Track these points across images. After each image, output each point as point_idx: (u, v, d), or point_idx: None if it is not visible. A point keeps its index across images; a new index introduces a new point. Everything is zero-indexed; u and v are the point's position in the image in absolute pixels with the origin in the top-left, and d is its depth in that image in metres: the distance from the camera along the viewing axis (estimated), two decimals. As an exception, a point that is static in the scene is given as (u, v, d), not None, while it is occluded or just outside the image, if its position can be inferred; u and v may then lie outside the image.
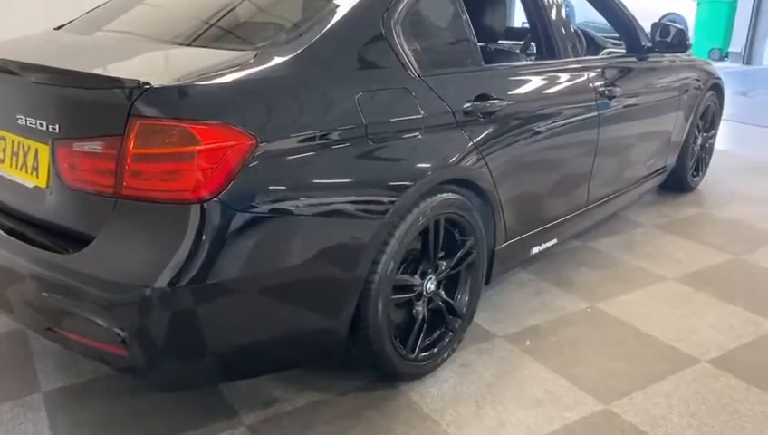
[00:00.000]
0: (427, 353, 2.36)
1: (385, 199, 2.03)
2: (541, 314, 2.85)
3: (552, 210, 2.96)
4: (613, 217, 3.96)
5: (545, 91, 2.79)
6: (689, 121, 4.09)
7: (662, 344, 2.65)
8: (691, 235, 3.81)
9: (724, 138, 4.74)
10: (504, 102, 2.48)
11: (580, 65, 3.02)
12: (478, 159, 2.36)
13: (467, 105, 2.33)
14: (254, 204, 1.73)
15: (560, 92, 2.87)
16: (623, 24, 3.52)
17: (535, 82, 2.75)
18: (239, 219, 1.71)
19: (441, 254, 2.36)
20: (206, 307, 1.72)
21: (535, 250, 2.93)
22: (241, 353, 1.88)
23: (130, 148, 1.66)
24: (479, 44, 2.53)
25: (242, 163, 1.70)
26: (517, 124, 2.57)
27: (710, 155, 4.67)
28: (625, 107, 3.27)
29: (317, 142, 1.87)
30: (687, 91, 3.96)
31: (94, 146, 1.71)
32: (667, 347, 2.63)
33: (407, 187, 2.07)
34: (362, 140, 1.98)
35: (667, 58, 3.79)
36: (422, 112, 2.16)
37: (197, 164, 1.65)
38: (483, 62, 2.50)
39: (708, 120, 4.47)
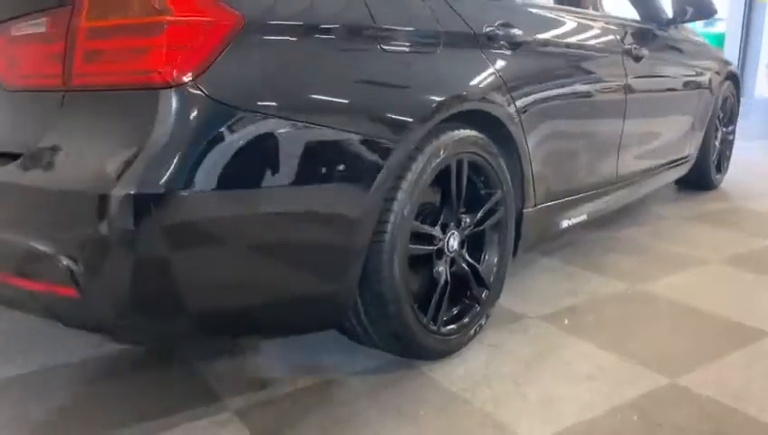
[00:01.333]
0: (453, 326, 1.95)
1: (400, 121, 1.67)
2: (575, 296, 2.46)
3: (582, 178, 2.61)
4: (635, 209, 3.62)
5: (572, 37, 2.48)
6: (711, 109, 3.80)
7: (723, 319, 2.26)
8: (725, 224, 3.46)
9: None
10: (530, 37, 2.16)
11: (603, 19, 2.73)
12: (504, 95, 2.02)
13: (489, 29, 2.00)
14: (238, 97, 1.36)
15: (587, 41, 2.57)
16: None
17: (561, 24, 2.45)
18: (220, 115, 1.34)
19: (464, 209, 2.00)
20: (180, 227, 1.32)
21: (565, 224, 2.57)
22: (221, 288, 1.46)
23: (83, 21, 1.30)
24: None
25: (223, 44, 1.34)
26: (545, 64, 2.25)
27: (730, 151, 4.37)
28: (650, 74, 2.97)
29: (320, 35, 1.52)
30: (708, 75, 3.69)
31: (36, 25, 1.35)
32: (729, 322, 2.24)
33: (427, 108, 1.72)
34: (373, 45, 1.64)
35: (687, 37, 3.53)
36: (440, 27, 1.83)
37: (168, 38, 1.29)
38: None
39: (727, 114, 4.19)
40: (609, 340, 2.09)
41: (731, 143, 4.35)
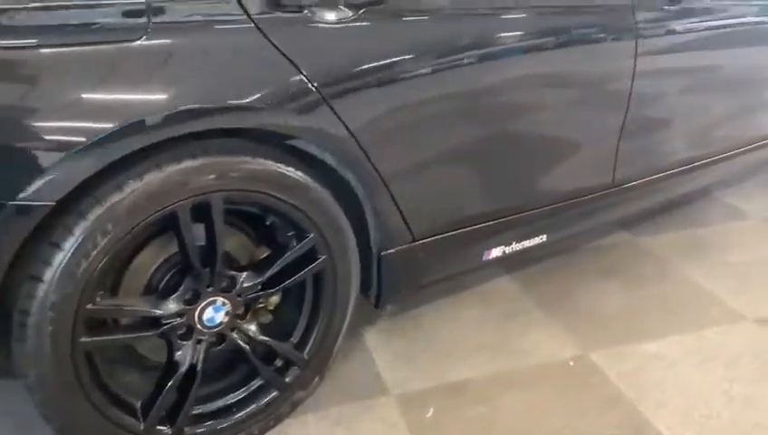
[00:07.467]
0: (205, 427, 1.36)
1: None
2: (486, 360, 1.72)
3: (529, 189, 1.77)
4: (702, 197, 2.62)
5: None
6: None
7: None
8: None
9: None
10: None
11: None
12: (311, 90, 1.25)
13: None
14: None
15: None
16: None
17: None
18: None
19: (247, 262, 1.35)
20: None
21: (496, 253, 1.77)
22: None
23: None
24: None
25: None
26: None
27: None
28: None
29: None
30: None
31: None
32: None
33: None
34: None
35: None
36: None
37: None
38: None
39: None
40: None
41: None
